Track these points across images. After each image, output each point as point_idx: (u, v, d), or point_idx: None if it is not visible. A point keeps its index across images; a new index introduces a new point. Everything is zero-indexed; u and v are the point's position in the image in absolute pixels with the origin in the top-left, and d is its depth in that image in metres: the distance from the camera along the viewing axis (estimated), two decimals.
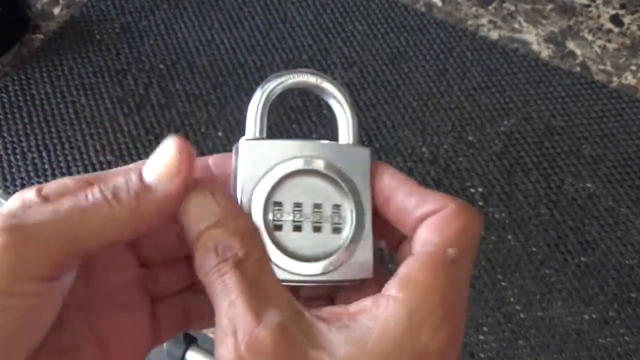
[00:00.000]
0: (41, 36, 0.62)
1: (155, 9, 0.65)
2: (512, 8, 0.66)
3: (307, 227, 0.26)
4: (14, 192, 0.51)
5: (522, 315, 0.48)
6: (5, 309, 0.21)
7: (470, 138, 0.57)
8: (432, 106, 0.59)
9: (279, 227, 0.26)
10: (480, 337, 0.47)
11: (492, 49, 0.63)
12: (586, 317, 0.48)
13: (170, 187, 0.23)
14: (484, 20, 0.65)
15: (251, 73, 0.60)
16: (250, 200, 0.26)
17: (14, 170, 0.54)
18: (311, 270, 0.26)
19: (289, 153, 0.27)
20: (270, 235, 0.26)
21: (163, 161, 0.23)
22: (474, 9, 0.66)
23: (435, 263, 0.23)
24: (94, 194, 0.22)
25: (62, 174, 0.53)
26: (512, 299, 0.49)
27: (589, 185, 0.55)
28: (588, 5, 0.67)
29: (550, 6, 0.67)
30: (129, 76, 0.60)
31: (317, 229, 0.26)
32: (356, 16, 0.65)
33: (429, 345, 0.21)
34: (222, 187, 0.26)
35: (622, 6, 0.67)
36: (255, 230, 0.25)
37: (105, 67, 0.60)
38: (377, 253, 0.27)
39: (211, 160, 0.27)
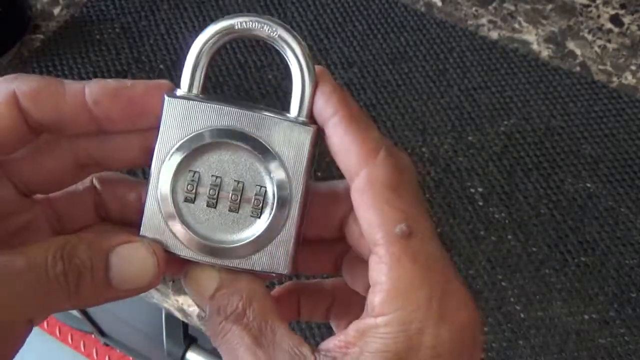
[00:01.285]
0: (41, 36, 0.62)
1: (155, 9, 0.65)
2: (512, 8, 0.66)
3: (223, 204, 0.24)
4: None
5: (522, 315, 0.48)
6: None
7: (470, 138, 0.57)
8: (432, 106, 0.59)
9: (190, 199, 0.24)
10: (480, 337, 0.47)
11: (492, 49, 0.63)
12: (586, 317, 0.48)
13: (140, 288, 0.23)
14: (484, 20, 0.65)
15: (251, 73, 0.60)
16: (161, 164, 0.23)
17: None
18: (218, 253, 0.23)
19: (219, 120, 0.24)
20: (176, 205, 0.23)
21: (134, 267, 0.22)
22: (474, 9, 0.66)
23: (397, 256, 0.21)
24: (56, 272, 0.21)
25: None
26: (512, 299, 0.49)
27: (589, 185, 0.55)
28: (588, 5, 0.67)
29: (550, 6, 0.67)
30: (129, 76, 0.60)
31: (233, 209, 0.24)
32: (356, 16, 0.65)
33: (438, 345, 0.21)
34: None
35: (622, 6, 0.67)
36: (256, 284, 0.24)
37: (105, 67, 0.60)
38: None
39: (88, 93, 0.23)
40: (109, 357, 1.41)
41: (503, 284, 0.50)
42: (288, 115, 0.24)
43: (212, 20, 0.63)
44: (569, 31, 0.65)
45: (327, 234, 0.26)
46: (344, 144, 0.23)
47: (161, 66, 0.61)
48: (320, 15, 0.65)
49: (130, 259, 0.23)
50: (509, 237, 0.52)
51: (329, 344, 0.22)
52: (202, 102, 0.24)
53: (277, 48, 0.24)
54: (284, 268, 0.24)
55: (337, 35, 0.63)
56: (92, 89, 0.23)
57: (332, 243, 0.27)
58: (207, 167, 0.24)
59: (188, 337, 0.63)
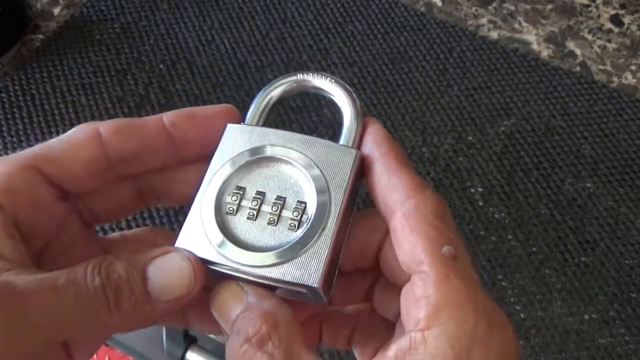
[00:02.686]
0: (41, 36, 0.62)
1: (155, 9, 0.65)
2: (512, 8, 0.66)
3: (263, 217, 0.24)
4: None
5: (522, 315, 0.48)
6: None
7: (470, 138, 0.57)
8: (432, 106, 0.59)
9: (232, 212, 0.24)
10: None
11: (492, 49, 0.63)
12: (586, 317, 0.48)
13: (180, 298, 0.23)
14: (484, 20, 0.65)
15: (251, 73, 0.60)
16: (211, 178, 0.25)
17: None
18: (250, 259, 0.24)
19: (270, 140, 0.25)
20: (218, 216, 0.24)
21: (171, 276, 0.23)
22: (474, 9, 0.66)
23: (445, 273, 0.22)
24: (94, 286, 0.21)
25: None
26: (512, 299, 0.49)
27: (589, 185, 0.55)
28: (588, 5, 0.67)
29: (550, 6, 0.67)
30: (129, 76, 0.60)
31: (272, 221, 0.24)
32: (356, 16, 0.65)
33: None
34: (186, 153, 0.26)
35: (622, 6, 0.67)
36: (283, 308, 0.23)
37: (105, 67, 0.60)
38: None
39: (166, 119, 0.25)
40: (109, 357, 1.41)
41: (503, 284, 0.50)
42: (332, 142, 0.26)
43: (212, 20, 0.63)
44: (569, 31, 0.65)
45: (363, 262, 0.26)
46: (393, 179, 0.24)
47: (161, 66, 0.61)
48: (320, 15, 0.65)
49: (166, 269, 0.23)
50: (509, 237, 0.52)
51: None
52: (256, 126, 0.26)
53: (332, 96, 0.27)
54: (314, 281, 0.23)
55: (337, 35, 0.63)
56: (168, 114, 0.25)
57: (364, 273, 0.27)
58: (253, 182, 0.25)
59: (188, 337, 0.63)
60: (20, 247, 0.22)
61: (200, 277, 0.23)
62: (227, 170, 0.25)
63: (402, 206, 0.23)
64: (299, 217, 0.24)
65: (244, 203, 0.24)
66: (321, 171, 0.24)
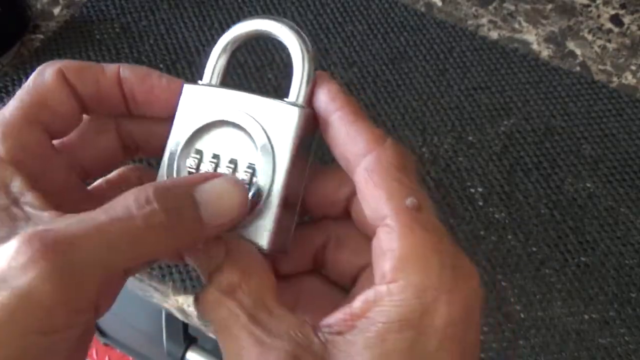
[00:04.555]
0: (41, 36, 0.62)
1: (155, 9, 0.65)
2: (512, 8, 0.66)
3: None
4: None
5: (522, 315, 0.48)
6: (49, 352, 0.19)
7: (470, 138, 0.57)
8: (432, 106, 0.59)
9: (192, 174, 0.26)
10: (480, 337, 0.47)
11: (492, 49, 0.63)
12: (586, 317, 0.48)
13: (232, 220, 0.23)
14: (484, 20, 0.65)
15: (251, 73, 0.60)
16: (172, 143, 0.26)
17: None
18: None
19: (224, 103, 0.26)
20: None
21: (222, 200, 0.23)
22: (474, 9, 0.66)
23: (409, 225, 0.21)
24: (144, 215, 0.21)
25: None
26: (512, 299, 0.49)
27: (589, 185, 0.55)
28: (588, 5, 0.67)
29: (550, 6, 0.67)
30: None
31: None
32: (356, 16, 0.65)
33: (452, 313, 0.20)
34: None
35: (622, 6, 0.67)
36: (257, 260, 0.23)
37: None
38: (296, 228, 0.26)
39: (122, 71, 0.26)
40: (109, 357, 1.41)
41: (503, 284, 0.50)
42: (286, 99, 0.26)
43: (212, 20, 0.63)
44: (569, 31, 0.65)
45: (333, 212, 0.27)
46: (351, 133, 0.24)
47: (161, 66, 0.61)
48: (320, 15, 0.65)
49: (216, 193, 0.23)
50: (509, 237, 0.52)
51: (330, 319, 0.21)
52: (212, 87, 0.27)
53: (283, 42, 0.27)
54: (262, 242, 0.24)
55: (337, 35, 0.63)
56: (126, 67, 0.26)
57: (336, 220, 0.27)
58: (209, 145, 0.26)
59: (188, 337, 0.63)
60: (42, 198, 0.22)
61: (247, 200, 0.24)
62: (186, 133, 0.26)
63: (363, 160, 0.23)
64: (248, 179, 0.25)
65: (202, 167, 0.26)
66: (265, 132, 0.25)
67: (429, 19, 0.65)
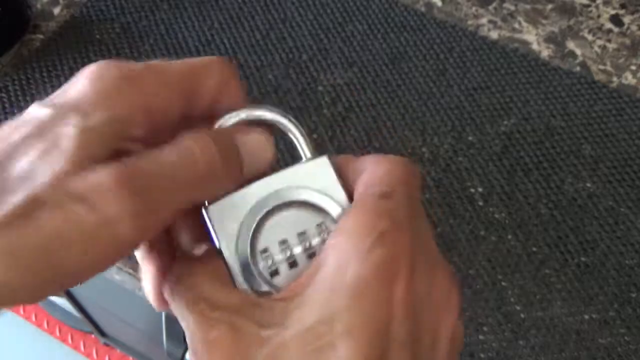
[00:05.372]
0: (41, 36, 0.62)
1: (155, 9, 0.65)
2: (512, 8, 0.66)
3: (301, 258, 0.25)
4: None
5: (522, 315, 0.48)
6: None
7: (470, 138, 0.57)
8: (432, 106, 0.59)
9: (275, 272, 0.25)
10: (480, 337, 0.47)
11: (492, 49, 0.63)
12: (586, 317, 0.48)
13: (259, 172, 0.25)
14: (484, 20, 0.65)
15: (251, 73, 0.60)
16: (239, 264, 0.25)
17: None
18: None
19: (252, 200, 0.25)
20: (270, 284, 0.24)
21: (259, 150, 0.25)
22: (474, 9, 0.66)
23: (362, 202, 0.23)
24: (209, 155, 0.22)
25: None
26: (512, 299, 0.49)
27: (589, 185, 0.55)
28: (588, 5, 0.67)
29: (550, 6, 0.67)
30: None
31: (311, 255, 0.25)
32: (356, 16, 0.65)
33: (361, 272, 0.21)
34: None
35: (622, 6, 0.67)
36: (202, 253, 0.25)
37: None
38: None
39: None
40: (109, 357, 1.41)
41: (503, 284, 0.50)
42: (304, 159, 0.27)
43: (212, 20, 0.63)
44: (569, 31, 0.65)
45: None
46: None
47: None
48: (320, 15, 0.65)
49: (253, 144, 0.25)
50: (509, 237, 0.52)
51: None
52: (232, 194, 0.26)
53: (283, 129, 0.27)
54: None
55: (337, 35, 0.63)
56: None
57: None
58: (270, 238, 0.25)
59: None
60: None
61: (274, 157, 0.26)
62: (244, 245, 0.25)
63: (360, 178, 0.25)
64: (325, 236, 0.25)
65: (276, 259, 0.25)
66: (314, 188, 0.25)
67: (429, 19, 0.65)
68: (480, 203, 0.53)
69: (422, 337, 0.22)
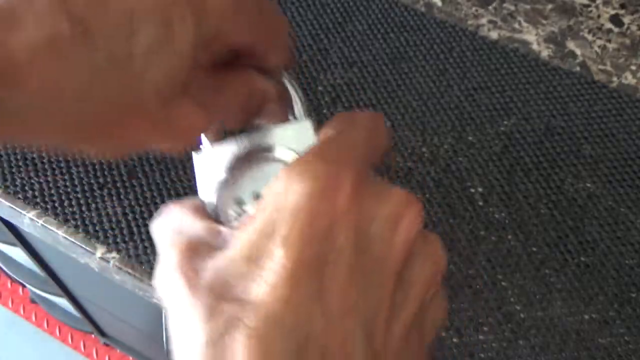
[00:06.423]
0: None
1: None
2: (512, 8, 0.66)
3: None
4: (14, 192, 0.51)
5: (522, 315, 0.48)
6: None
7: (470, 138, 0.57)
8: (432, 106, 0.59)
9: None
10: (480, 337, 0.48)
11: (492, 49, 0.63)
12: (586, 317, 0.48)
13: None
14: (484, 20, 0.65)
15: None
16: (213, 206, 0.27)
17: (14, 170, 0.54)
18: None
19: (235, 151, 0.27)
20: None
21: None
22: (474, 9, 0.66)
23: (318, 143, 0.25)
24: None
25: (62, 174, 0.53)
26: (512, 299, 0.49)
27: (589, 185, 0.55)
28: (588, 5, 0.67)
29: (550, 6, 0.67)
30: None
31: None
32: (356, 16, 0.65)
33: (304, 188, 0.22)
34: None
35: (622, 6, 0.67)
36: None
37: None
38: None
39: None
40: (109, 357, 1.41)
41: (503, 284, 0.50)
42: (291, 118, 0.29)
43: None
44: (569, 31, 0.65)
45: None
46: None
47: None
48: (320, 15, 0.65)
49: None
50: (509, 237, 0.52)
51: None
52: (217, 143, 0.28)
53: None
54: None
55: (337, 35, 0.63)
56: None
57: None
58: (246, 189, 0.27)
59: None
60: None
61: None
62: (218, 191, 0.27)
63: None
64: None
65: (247, 209, 0.27)
66: (293, 149, 0.27)
67: (429, 19, 0.65)
68: (480, 203, 0.53)
69: (371, 248, 0.22)
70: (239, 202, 0.27)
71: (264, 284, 0.20)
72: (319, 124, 0.27)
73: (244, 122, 0.29)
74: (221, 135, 0.29)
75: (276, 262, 0.21)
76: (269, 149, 0.27)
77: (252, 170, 0.27)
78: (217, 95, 0.27)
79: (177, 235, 0.24)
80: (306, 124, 0.28)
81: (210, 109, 0.26)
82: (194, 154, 0.28)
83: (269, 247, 0.21)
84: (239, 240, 0.22)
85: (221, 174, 0.27)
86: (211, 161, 0.27)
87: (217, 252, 0.22)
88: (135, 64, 0.22)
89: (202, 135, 0.29)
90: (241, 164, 0.27)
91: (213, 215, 0.26)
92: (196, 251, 0.23)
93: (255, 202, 0.27)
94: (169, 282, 0.23)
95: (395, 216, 0.23)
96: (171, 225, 0.25)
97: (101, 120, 0.22)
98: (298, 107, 0.29)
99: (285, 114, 0.30)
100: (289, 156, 0.27)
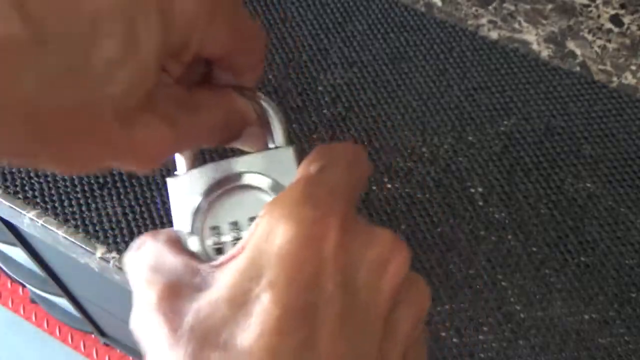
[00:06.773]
0: None
1: None
2: (512, 8, 0.66)
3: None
4: (14, 192, 0.51)
5: (522, 315, 0.48)
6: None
7: (470, 138, 0.57)
8: (432, 106, 0.59)
9: (220, 251, 0.25)
10: (480, 337, 0.48)
11: (492, 49, 0.63)
12: (586, 317, 0.48)
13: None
14: (484, 20, 0.65)
15: None
16: (186, 235, 0.26)
17: (14, 170, 0.54)
18: None
19: (211, 178, 0.26)
20: (211, 260, 0.25)
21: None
22: (474, 9, 0.66)
23: (298, 178, 0.24)
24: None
25: (62, 174, 0.53)
26: (512, 299, 0.49)
27: (589, 185, 0.55)
28: (588, 5, 0.67)
29: (550, 6, 0.67)
30: None
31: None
32: (356, 16, 0.65)
33: (290, 232, 0.21)
34: None
35: (622, 6, 0.67)
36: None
37: None
38: None
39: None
40: (109, 357, 1.41)
41: (503, 284, 0.50)
42: (271, 146, 0.28)
43: None
44: (569, 31, 0.65)
45: None
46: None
47: None
48: (320, 15, 0.65)
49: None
50: (509, 237, 0.52)
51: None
52: (193, 170, 0.27)
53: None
54: None
55: (337, 35, 0.63)
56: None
57: None
58: (222, 218, 0.26)
59: None
60: None
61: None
62: (196, 219, 0.26)
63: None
64: None
65: (223, 239, 0.26)
66: (273, 179, 0.26)
67: (429, 19, 0.65)
68: (480, 203, 0.53)
69: (358, 294, 0.21)
70: (217, 232, 0.26)
71: (251, 331, 0.19)
72: (301, 152, 0.26)
73: (221, 144, 0.28)
74: (197, 159, 0.28)
75: (263, 308, 0.20)
76: (247, 177, 0.26)
77: (229, 197, 0.26)
78: (192, 115, 0.25)
79: (153, 273, 0.23)
80: (287, 151, 0.26)
81: (183, 129, 0.24)
82: (168, 179, 0.27)
83: (255, 292, 0.20)
84: (221, 281, 0.21)
85: (196, 201, 0.26)
86: (186, 187, 0.26)
87: (198, 293, 0.21)
88: (94, 74, 0.19)
89: (178, 159, 0.28)
90: (218, 191, 0.26)
91: (189, 246, 0.25)
92: (176, 291, 0.22)
93: (233, 232, 0.25)
94: (147, 325, 0.22)
95: (383, 260, 0.22)
96: (146, 261, 0.24)
97: (53, 135, 0.20)
98: (278, 131, 0.27)
99: (264, 139, 0.28)
100: (268, 185, 0.26)
